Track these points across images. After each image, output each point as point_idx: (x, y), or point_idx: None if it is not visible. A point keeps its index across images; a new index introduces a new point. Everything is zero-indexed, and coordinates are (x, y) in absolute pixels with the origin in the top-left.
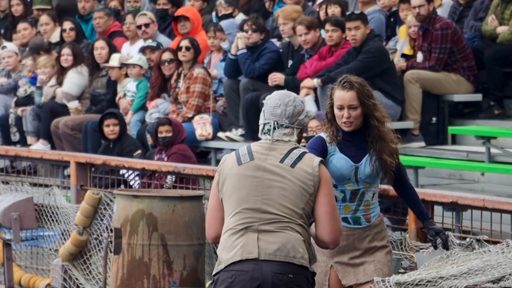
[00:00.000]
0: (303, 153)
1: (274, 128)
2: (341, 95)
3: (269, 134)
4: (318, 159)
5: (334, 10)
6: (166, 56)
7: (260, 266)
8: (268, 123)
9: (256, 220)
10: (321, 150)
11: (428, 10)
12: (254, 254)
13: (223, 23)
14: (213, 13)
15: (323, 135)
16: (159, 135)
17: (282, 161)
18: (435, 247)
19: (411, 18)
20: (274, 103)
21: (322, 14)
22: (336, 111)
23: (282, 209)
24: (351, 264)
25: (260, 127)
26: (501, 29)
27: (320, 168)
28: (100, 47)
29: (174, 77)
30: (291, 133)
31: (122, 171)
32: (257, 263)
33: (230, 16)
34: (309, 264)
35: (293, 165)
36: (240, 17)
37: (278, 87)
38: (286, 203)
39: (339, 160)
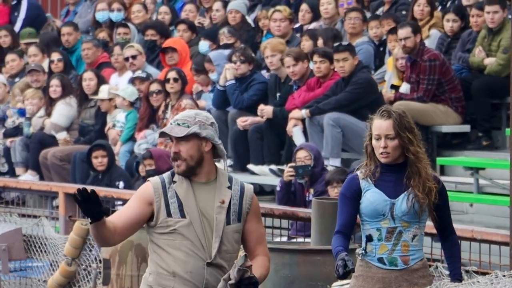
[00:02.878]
0: None
1: None
2: (379, 124)
3: None
4: None
5: (305, 43)
6: (154, 87)
7: None
8: None
9: None
10: (352, 192)
11: (414, 42)
12: None
13: (212, 54)
14: (200, 42)
15: (358, 172)
16: (146, 168)
17: None
18: None
19: (398, 50)
20: None
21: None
22: (374, 142)
23: None
24: None
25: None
26: (489, 61)
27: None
28: (88, 78)
29: (162, 108)
30: None
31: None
32: None
33: (231, 46)
34: None
35: None
36: None
37: (267, 119)
38: None
39: (373, 194)
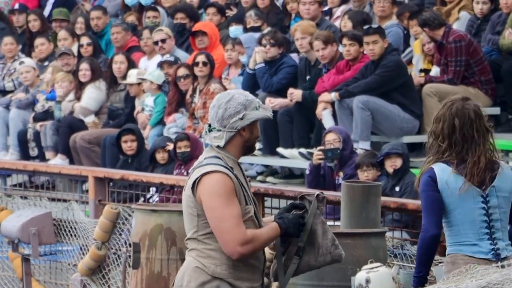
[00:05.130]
0: (197, 166)
1: (206, 132)
2: None
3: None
4: (195, 176)
5: (347, 24)
6: (182, 72)
7: None
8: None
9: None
10: None
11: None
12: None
13: (243, 37)
14: (232, 27)
15: None
16: (178, 150)
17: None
18: None
19: (424, 35)
20: (212, 104)
21: (342, 24)
22: None
23: (186, 235)
24: None
25: None
26: None
27: (198, 187)
28: (119, 61)
29: (190, 92)
30: (221, 136)
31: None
32: None
33: (258, 29)
34: None
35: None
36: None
37: (296, 102)
38: (186, 229)
39: None
